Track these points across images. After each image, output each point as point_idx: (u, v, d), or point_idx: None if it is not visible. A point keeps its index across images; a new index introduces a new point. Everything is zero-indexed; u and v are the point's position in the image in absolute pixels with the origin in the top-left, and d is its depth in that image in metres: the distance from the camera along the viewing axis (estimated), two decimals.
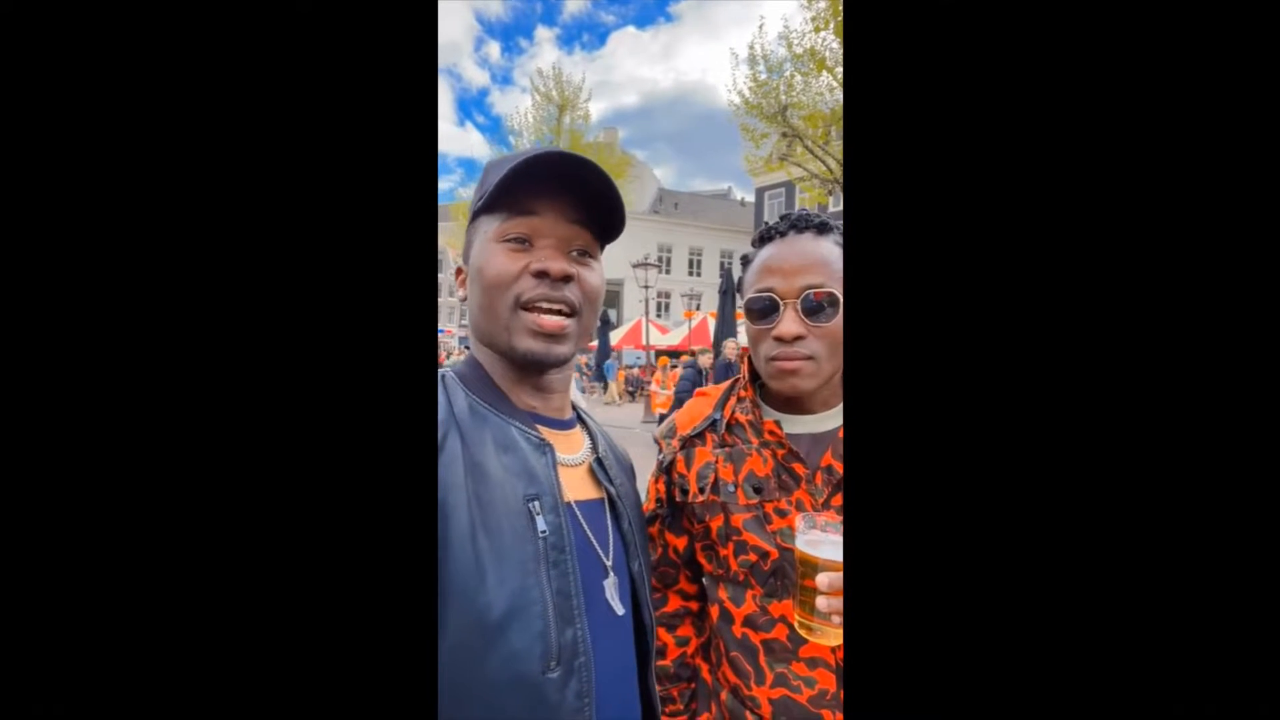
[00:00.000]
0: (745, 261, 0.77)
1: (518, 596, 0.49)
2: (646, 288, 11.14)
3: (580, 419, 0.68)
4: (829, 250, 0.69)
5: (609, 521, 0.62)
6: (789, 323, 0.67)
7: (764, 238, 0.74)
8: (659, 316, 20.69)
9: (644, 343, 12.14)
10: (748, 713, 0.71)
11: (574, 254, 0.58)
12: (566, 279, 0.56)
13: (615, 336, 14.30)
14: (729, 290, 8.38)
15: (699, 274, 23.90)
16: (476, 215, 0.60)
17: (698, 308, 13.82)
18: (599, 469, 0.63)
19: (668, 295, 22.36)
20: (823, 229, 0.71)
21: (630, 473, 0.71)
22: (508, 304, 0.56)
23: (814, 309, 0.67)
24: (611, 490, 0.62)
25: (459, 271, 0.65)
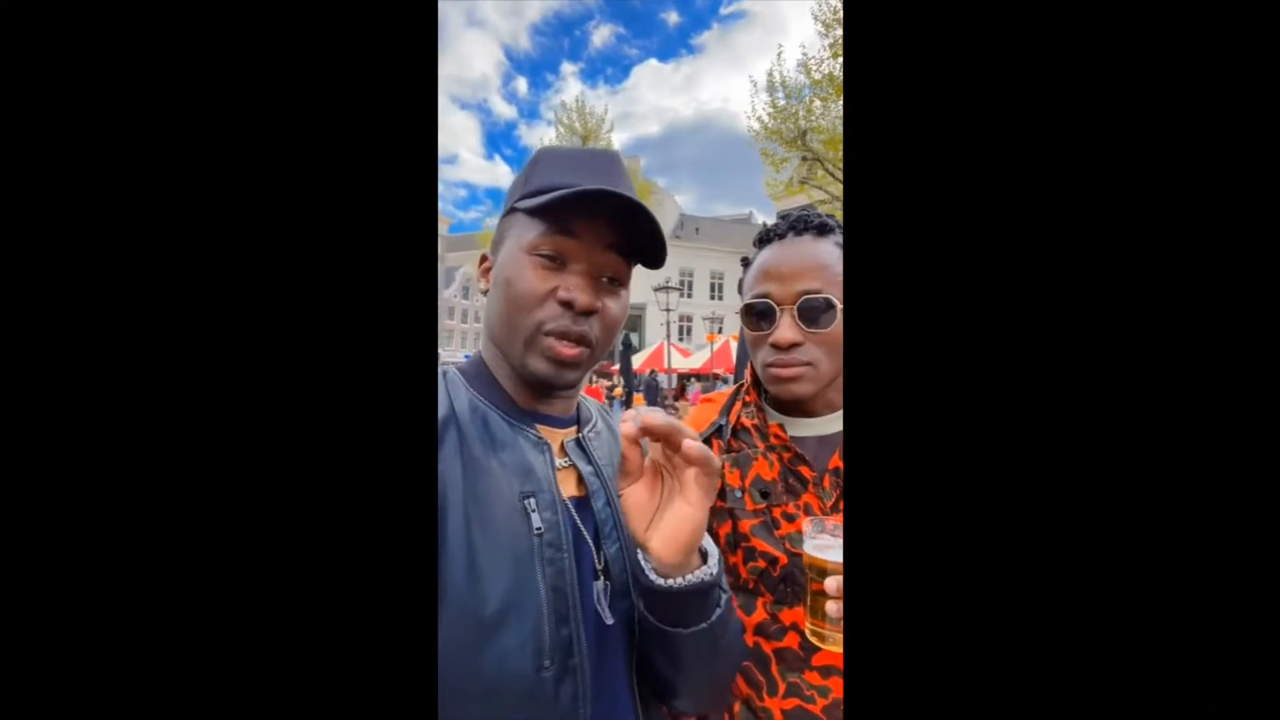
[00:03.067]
0: (745, 263, 0.78)
1: (511, 593, 0.48)
2: (668, 311, 11.19)
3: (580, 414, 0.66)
4: (828, 253, 0.69)
5: (592, 509, 0.59)
6: (786, 329, 0.67)
7: (764, 239, 0.74)
8: (681, 340, 20.70)
9: (666, 366, 12.14)
10: None
11: (604, 280, 0.57)
12: (590, 312, 0.55)
13: (638, 360, 14.35)
14: None
15: (721, 298, 23.93)
16: (514, 210, 0.58)
17: (720, 331, 13.79)
18: (575, 448, 0.60)
19: (690, 319, 22.40)
20: (823, 230, 0.70)
21: None
22: (529, 325, 0.55)
23: (811, 315, 0.66)
24: (586, 469, 0.59)
25: (483, 259, 0.63)
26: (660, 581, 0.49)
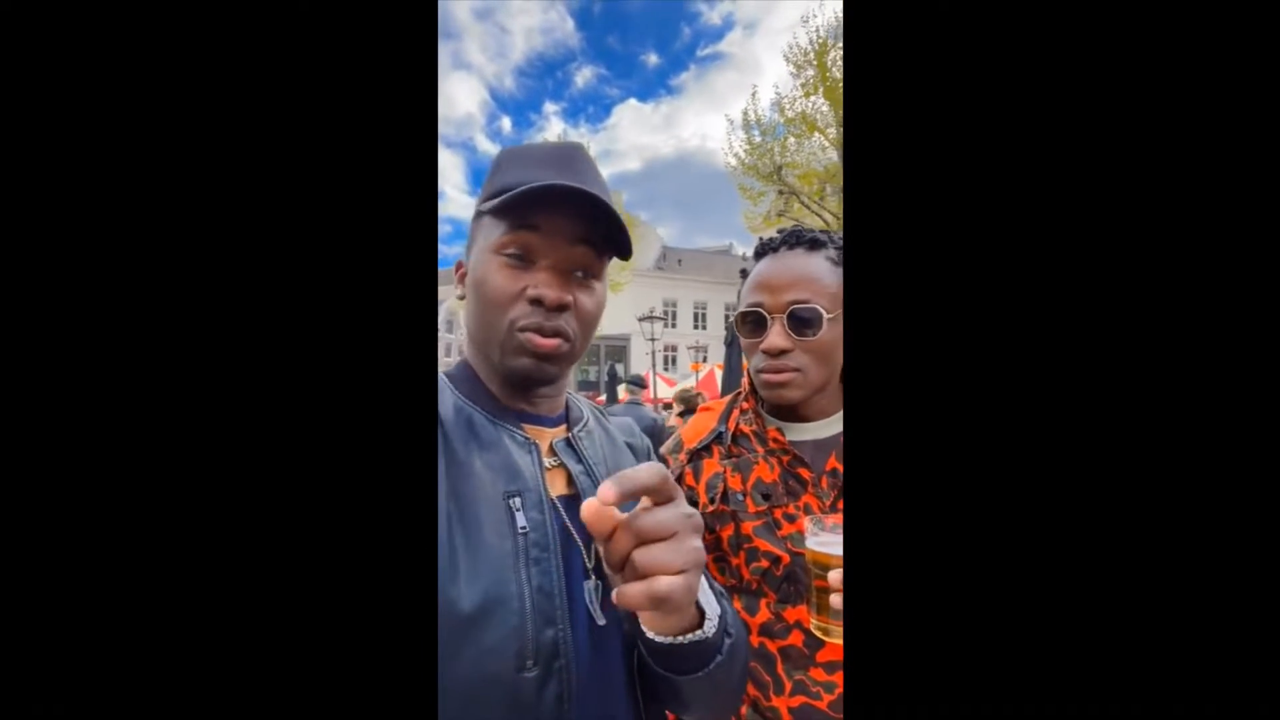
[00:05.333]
0: (744, 275, 0.83)
1: (492, 592, 0.47)
2: (653, 340, 11.29)
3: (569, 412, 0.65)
4: (818, 266, 0.73)
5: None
6: (775, 337, 0.71)
7: (760, 252, 0.80)
8: (666, 369, 20.76)
9: (652, 395, 12.15)
10: None
11: (576, 275, 0.57)
12: (562, 308, 0.55)
13: (622, 390, 14.36)
14: (734, 341, 8.48)
15: (704, 327, 24.18)
16: (482, 214, 0.58)
17: (704, 359, 13.91)
18: (564, 447, 0.59)
19: (674, 348, 22.54)
20: (814, 245, 0.75)
21: (632, 449, 0.68)
22: (502, 326, 0.55)
23: (800, 324, 0.70)
24: (577, 468, 0.58)
25: (459, 265, 0.62)
26: (655, 638, 0.48)
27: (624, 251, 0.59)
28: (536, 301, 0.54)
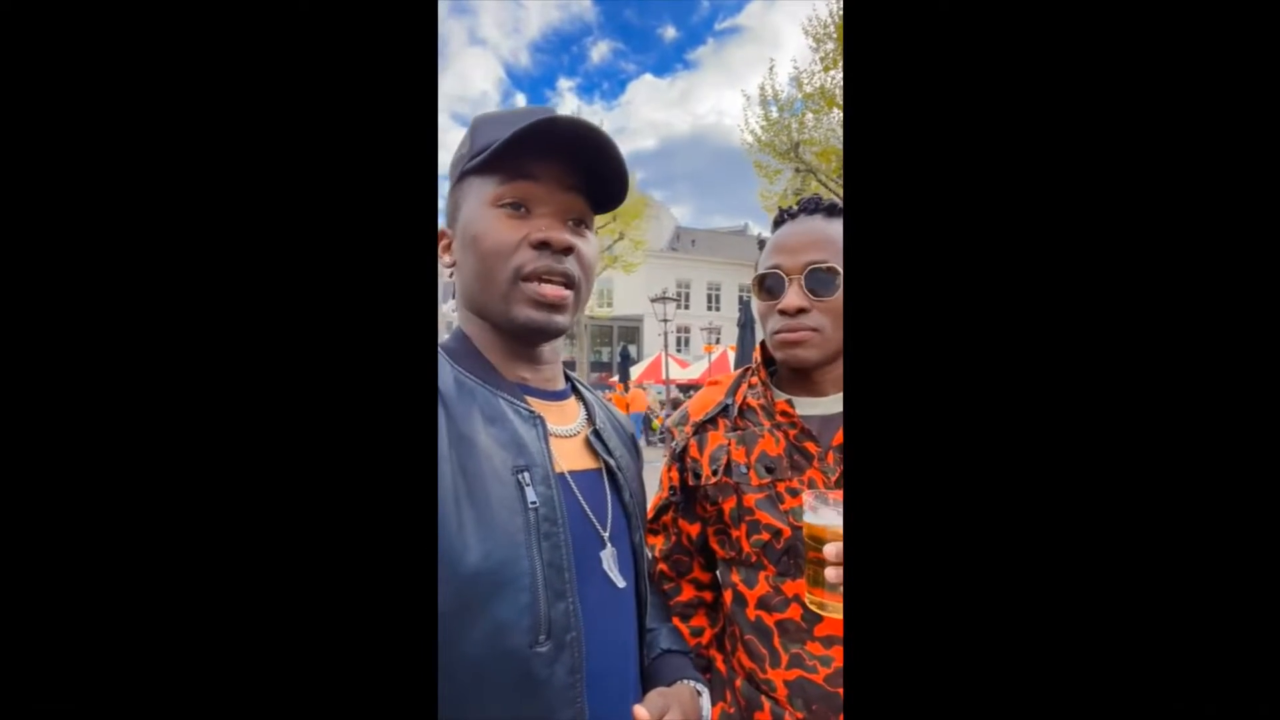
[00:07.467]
0: (762, 244, 0.82)
1: (505, 568, 0.48)
2: (665, 322, 11.24)
3: (575, 389, 0.67)
4: (836, 230, 0.73)
5: (608, 492, 0.60)
6: (792, 296, 0.71)
7: (779, 221, 0.79)
8: (679, 351, 20.73)
9: (664, 377, 12.15)
10: (763, 697, 0.70)
11: (570, 223, 0.57)
12: (568, 251, 0.55)
13: (636, 371, 14.37)
14: (747, 323, 8.41)
15: (718, 308, 24.02)
16: (465, 175, 0.58)
17: (717, 341, 13.83)
18: (596, 440, 0.61)
19: (687, 330, 22.46)
20: (833, 211, 0.75)
21: (632, 444, 0.71)
22: (507, 275, 0.54)
23: (817, 283, 0.70)
24: (611, 461, 0.61)
25: (442, 235, 0.62)
26: None
27: (615, 200, 0.59)
28: (542, 245, 0.54)
